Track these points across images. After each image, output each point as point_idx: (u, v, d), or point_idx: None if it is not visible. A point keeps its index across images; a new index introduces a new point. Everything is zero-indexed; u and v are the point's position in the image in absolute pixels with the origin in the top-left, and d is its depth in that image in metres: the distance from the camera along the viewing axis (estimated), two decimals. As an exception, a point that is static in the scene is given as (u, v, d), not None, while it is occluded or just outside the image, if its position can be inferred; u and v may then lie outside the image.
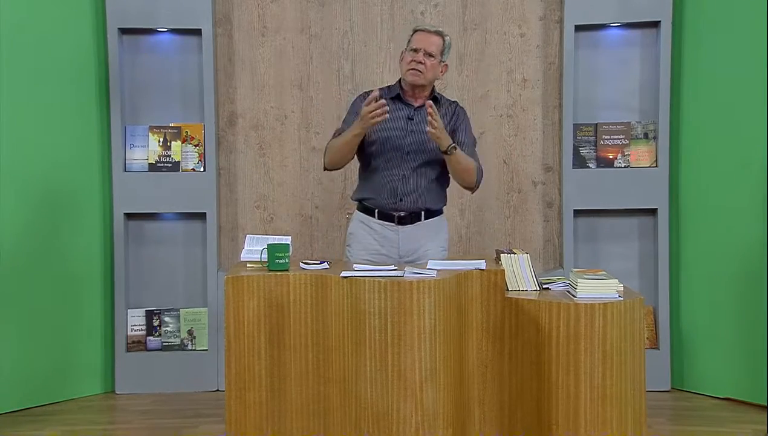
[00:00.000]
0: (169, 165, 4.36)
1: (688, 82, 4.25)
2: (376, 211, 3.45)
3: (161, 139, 4.35)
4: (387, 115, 3.23)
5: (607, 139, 4.34)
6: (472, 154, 3.48)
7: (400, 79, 3.53)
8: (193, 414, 3.98)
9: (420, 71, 3.39)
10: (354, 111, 3.47)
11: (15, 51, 3.97)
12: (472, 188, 3.52)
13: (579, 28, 4.30)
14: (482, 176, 3.52)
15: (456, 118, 3.52)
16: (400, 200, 3.40)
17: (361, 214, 3.51)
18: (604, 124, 4.34)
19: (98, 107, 4.32)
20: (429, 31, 3.43)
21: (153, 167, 4.35)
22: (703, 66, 4.18)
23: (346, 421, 2.88)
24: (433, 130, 3.22)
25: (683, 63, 4.26)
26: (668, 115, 4.25)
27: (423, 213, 3.45)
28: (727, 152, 4.07)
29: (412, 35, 3.47)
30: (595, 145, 4.35)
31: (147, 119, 4.40)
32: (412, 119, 3.44)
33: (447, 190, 3.60)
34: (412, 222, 3.44)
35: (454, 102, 3.61)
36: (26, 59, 4.02)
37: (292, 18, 4.47)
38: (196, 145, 4.36)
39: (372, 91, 3.47)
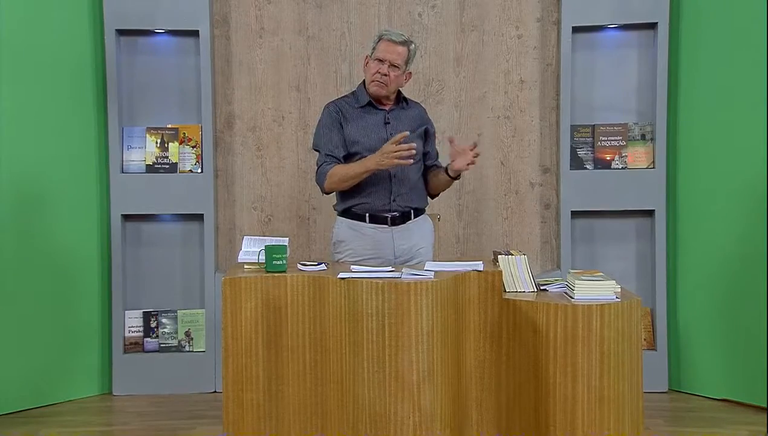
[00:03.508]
0: (167, 166, 4.35)
1: (686, 84, 4.25)
2: (368, 215, 3.43)
3: (159, 141, 4.35)
4: (411, 162, 3.26)
5: (604, 140, 4.34)
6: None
7: (363, 83, 3.52)
8: (191, 415, 3.98)
9: (384, 83, 3.40)
10: (329, 124, 3.44)
11: (13, 52, 3.97)
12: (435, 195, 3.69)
13: (576, 30, 4.31)
14: None
15: (428, 122, 3.60)
16: (393, 201, 3.41)
17: (350, 220, 3.46)
18: (602, 125, 4.35)
19: (96, 108, 4.32)
20: (395, 42, 3.39)
21: (150, 169, 4.35)
22: (701, 67, 4.18)
23: (344, 422, 2.88)
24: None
25: (680, 64, 4.27)
26: (665, 117, 4.25)
27: (413, 212, 3.48)
28: (724, 153, 4.07)
29: (378, 42, 3.42)
30: (593, 147, 4.35)
31: (144, 121, 4.40)
32: (389, 123, 3.46)
33: (443, 192, 3.70)
34: (403, 222, 3.45)
35: (418, 102, 3.66)
36: (24, 60, 4.02)
37: (289, 19, 4.47)
38: (193, 147, 4.36)
39: (344, 97, 3.55)
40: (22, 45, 4.00)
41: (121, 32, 4.31)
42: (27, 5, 4.03)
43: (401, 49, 3.40)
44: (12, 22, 3.96)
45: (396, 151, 3.18)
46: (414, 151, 3.21)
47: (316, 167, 3.48)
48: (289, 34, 4.48)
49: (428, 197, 3.64)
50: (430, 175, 3.59)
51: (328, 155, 3.41)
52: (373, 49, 3.44)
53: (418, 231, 3.50)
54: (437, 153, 3.67)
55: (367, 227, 3.43)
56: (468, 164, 3.34)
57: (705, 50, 4.16)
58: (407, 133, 3.24)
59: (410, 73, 3.51)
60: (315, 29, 4.47)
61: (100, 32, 4.29)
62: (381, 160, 3.23)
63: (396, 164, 3.22)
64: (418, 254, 3.47)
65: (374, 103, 3.47)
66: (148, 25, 4.29)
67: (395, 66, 3.39)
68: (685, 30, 4.25)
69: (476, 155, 3.34)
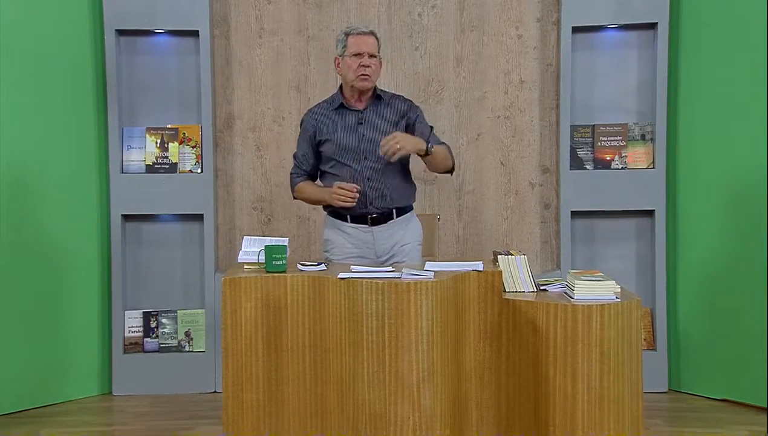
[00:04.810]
0: (167, 166, 4.35)
1: (686, 84, 4.25)
2: (348, 215, 3.45)
3: (158, 141, 4.35)
4: (354, 204, 3.34)
5: (604, 140, 4.34)
6: (438, 141, 3.48)
7: (340, 86, 3.53)
8: (191, 416, 3.98)
9: (369, 75, 3.40)
10: (302, 135, 3.55)
11: (13, 52, 3.97)
12: (452, 170, 3.56)
13: (576, 30, 4.31)
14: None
15: (409, 110, 3.53)
16: (370, 204, 3.43)
17: (334, 219, 3.52)
18: (602, 125, 4.35)
19: (95, 109, 4.32)
20: (365, 33, 3.42)
21: (150, 169, 4.35)
22: (701, 67, 4.18)
23: (344, 422, 2.88)
24: (402, 149, 3.23)
25: (680, 64, 4.27)
26: (665, 117, 4.25)
27: (394, 211, 3.47)
28: (724, 154, 4.07)
29: (346, 39, 3.42)
30: (593, 147, 4.35)
31: (144, 121, 4.40)
32: (362, 123, 3.45)
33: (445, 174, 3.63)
34: (384, 221, 3.46)
35: (400, 96, 3.61)
36: (24, 60, 4.02)
37: (289, 19, 4.47)
38: (193, 147, 4.36)
39: (323, 101, 3.56)
40: (22, 45, 4.00)
41: (121, 32, 4.31)
42: (27, 5, 4.03)
43: (372, 39, 3.43)
44: (12, 22, 3.96)
45: (338, 195, 3.31)
46: (355, 200, 3.30)
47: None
48: (289, 34, 4.48)
49: (414, 197, 3.57)
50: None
51: (297, 166, 3.59)
52: (344, 47, 3.43)
53: (401, 229, 3.49)
54: (432, 134, 3.47)
55: (348, 226, 3.47)
56: (397, 145, 3.23)
57: (705, 50, 4.16)
58: (357, 188, 3.30)
59: (380, 61, 3.51)
60: (315, 29, 4.47)
61: (100, 32, 4.29)
62: (330, 198, 3.37)
63: (339, 206, 3.35)
64: (401, 252, 3.46)
65: (347, 104, 3.48)
66: (148, 25, 4.29)
67: (373, 55, 3.41)
68: (685, 30, 4.25)
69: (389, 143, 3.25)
